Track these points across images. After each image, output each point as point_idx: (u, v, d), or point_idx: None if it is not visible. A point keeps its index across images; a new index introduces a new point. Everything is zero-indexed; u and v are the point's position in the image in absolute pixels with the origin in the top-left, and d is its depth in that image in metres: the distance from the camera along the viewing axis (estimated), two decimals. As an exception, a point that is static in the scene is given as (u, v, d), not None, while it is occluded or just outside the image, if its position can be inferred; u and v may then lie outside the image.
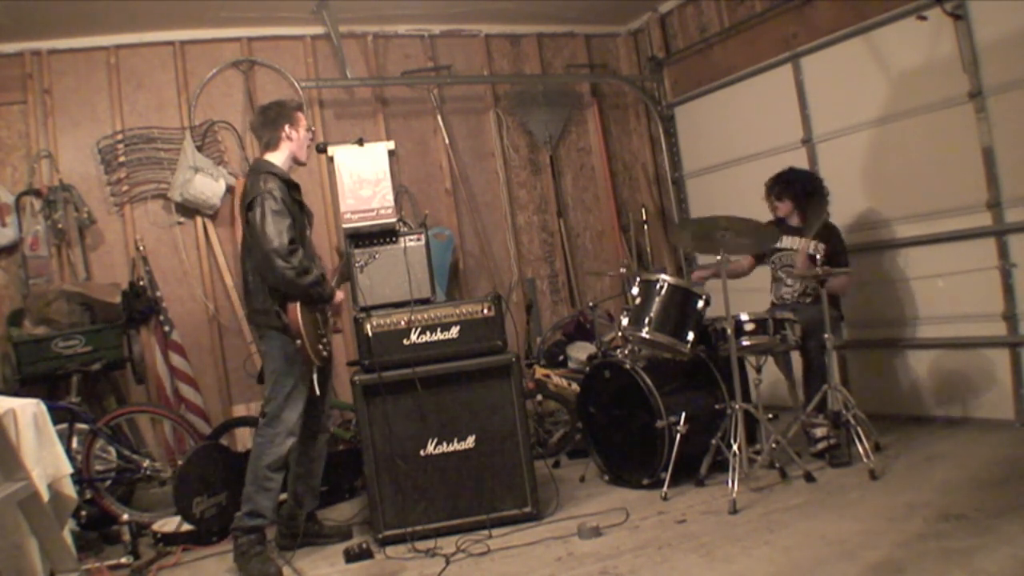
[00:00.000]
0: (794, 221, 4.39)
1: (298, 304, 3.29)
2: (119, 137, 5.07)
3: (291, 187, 3.47)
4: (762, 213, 4.44)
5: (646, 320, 3.88)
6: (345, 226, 3.84)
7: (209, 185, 5.06)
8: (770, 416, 3.90)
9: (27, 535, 2.48)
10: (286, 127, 3.51)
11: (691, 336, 3.87)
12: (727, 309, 3.68)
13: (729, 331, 3.70)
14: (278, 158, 3.51)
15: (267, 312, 3.38)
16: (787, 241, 4.37)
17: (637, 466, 3.94)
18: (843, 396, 3.84)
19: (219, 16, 5.11)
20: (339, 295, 3.62)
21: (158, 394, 4.95)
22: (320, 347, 3.43)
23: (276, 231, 3.24)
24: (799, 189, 4.34)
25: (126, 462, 4.19)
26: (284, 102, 3.63)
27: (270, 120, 3.52)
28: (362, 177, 3.86)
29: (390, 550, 3.42)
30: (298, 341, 3.29)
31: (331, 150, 4.09)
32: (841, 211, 4.80)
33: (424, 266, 3.90)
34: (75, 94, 5.05)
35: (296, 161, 3.58)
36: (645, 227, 6.28)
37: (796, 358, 4.21)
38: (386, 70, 5.78)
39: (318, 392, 3.51)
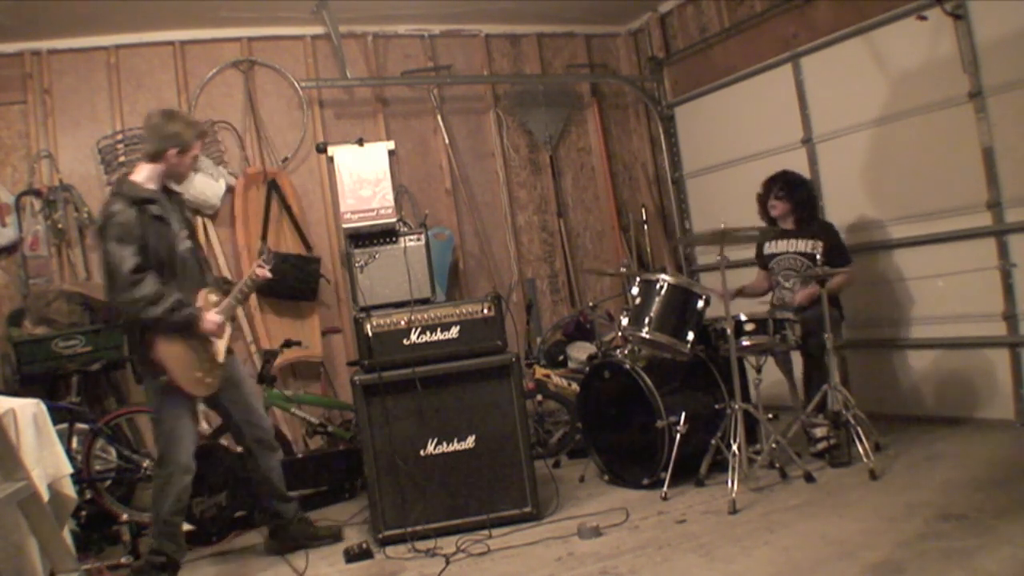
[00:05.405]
0: (788, 223, 4.37)
1: (158, 336, 3.06)
2: (119, 137, 5.07)
3: (145, 202, 3.11)
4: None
5: (646, 320, 3.88)
6: (345, 226, 3.84)
7: (209, 185, 5.07)
8: (770, 416, 3.90)
9: (27, 535, 2.48)
10: (173, 152, 3.18)
11: (691, 336, 3.87)
12: (727, 309, 3.68)
13: (729, 331, 3.70)
14: (143, 174, 3.20)
15: (134, 347, 3.16)
16: (783, 244, 4.36)
17: (637, 466, 3.94)
18: (843, 396, 3.83)
19: (219, 16, 5.11)
20: (210, 319, 3.19)
21: (158, 394, 4.95)
22: (200, 375, 3.16)
23: (117, 261, 2.98)
24: (801, 191, 4.34)
25: (126, 462, 4.19)
26: (191, 123, 3.27)
27: (163, 135, 3.17)
28: (362, 177, 3.87)
29: (390, 550, 3.42)
30: (162, 377, 3.05)
31: (331, 150, 4.09)
32: (841, 211, 4.81)
33: (424, 266, 3.90)
34: (75, 94, 5.05)
35: (170, 180, 3.29)
36: (645, 227, 6.28)
37: (796, 358, 4.21)
38: (386, 70, 5.78)
39: (206, 425, 3.34)
